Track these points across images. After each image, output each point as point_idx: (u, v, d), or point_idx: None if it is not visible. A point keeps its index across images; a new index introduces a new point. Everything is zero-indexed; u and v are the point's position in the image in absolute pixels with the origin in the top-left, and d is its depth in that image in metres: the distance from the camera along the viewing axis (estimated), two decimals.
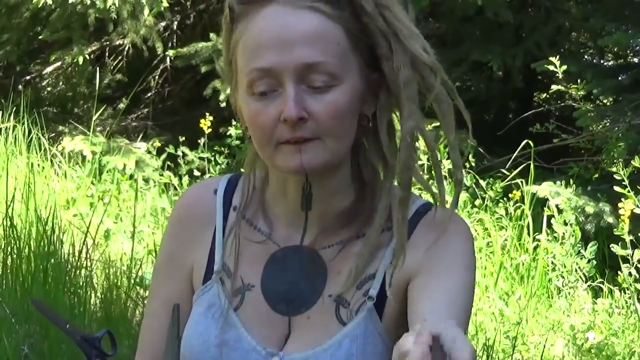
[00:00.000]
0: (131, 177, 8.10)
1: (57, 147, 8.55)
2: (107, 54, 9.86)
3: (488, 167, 8.06)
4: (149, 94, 10.08)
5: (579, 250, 6.68)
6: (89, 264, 5.41)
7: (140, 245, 6.26)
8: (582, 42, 10.50)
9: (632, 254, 6.17)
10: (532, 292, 6.29)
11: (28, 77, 10.50)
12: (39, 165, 7.56)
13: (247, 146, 1.92)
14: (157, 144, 8.81)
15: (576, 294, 6.40)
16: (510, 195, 7.35)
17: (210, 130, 8.24)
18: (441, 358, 1.41)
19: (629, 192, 6.39)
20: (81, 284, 5.10)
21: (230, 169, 8.34)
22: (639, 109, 7.97)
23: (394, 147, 1.86)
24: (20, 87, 9.58)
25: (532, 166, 7.44)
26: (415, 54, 1.79)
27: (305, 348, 1.89)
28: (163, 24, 9.52)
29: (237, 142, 8.49)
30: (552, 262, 6.66)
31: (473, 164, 7.84)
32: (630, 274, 6.15)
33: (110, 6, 8.93)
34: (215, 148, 8.57)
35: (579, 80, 8.14)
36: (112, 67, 9.88)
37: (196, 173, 8.30)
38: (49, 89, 10.52)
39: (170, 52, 9.48)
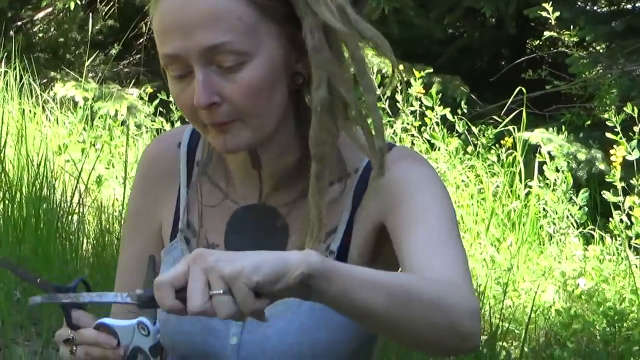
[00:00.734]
0: (123, 123, 8.09)
1: (48, 93, 8.53)
2: (98, 0, 9.82)
3: (480, 113, 8.05)
4: (141, 40, 10.03)
5: (571, 197, 6.69)
6: (81, 209, 5.42)
7: None
8: None
9: (624, 200, 6.18)
10: (524, 238, 6.30)
11: (19, 23, 10.46)
12: (30, 111, 7.55)
13: None
14: (149, 90, 8.77)
15: (567, 241, 6.41)
16: (502, 141, 7.35)
17: None
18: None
19: (620, 138, 6.39)
20: (73, 229, 5.11)
21: None
22: (632, 55, 7.96)
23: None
24: (11, 32, 9.54)
25: (524, 113, 7.42)
26: (323, 19, 1.69)
27: (269, 306, 1.89)
28: None
29: None
30: (544, 209, 6.67)
31: (465, 111, 7.84)
32: (621, 221, 6.17)
33: None
34: None
35: (571, 27, 8.13)
36: (103, 13, 9.85)
37: None
38: (40, 34, 10.48)
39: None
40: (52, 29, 10.32)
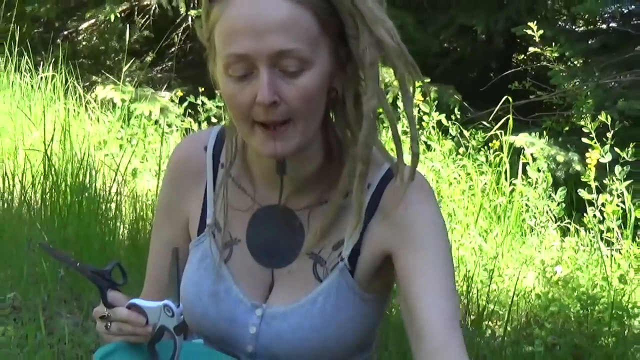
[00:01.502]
0: (156, 122, 8.10)
1: (90, 94, 8.53)
2: (135, 13, 9.81)
3: (471, 119, 8.05)
4: (173, 49, 10.04)
5: (550, 194, 6.68)
6: (118, 198, 5.42)
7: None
8: (556, 10, 10.45)
9: (597, 198, 6.17)
10: (508, 230, 6.30)
11: (66, 33, 10.47)
12: (74, 110, 7.55)
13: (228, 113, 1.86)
14: (180, 93, 8.78)
15: (546, 233, 6.41)
16: (490, 144, 7.35)
17: None
18: None
19: (595, 143, 6.38)
20: (111, 216, 5.11)
21: None
22: (606, 70, 7.95)
23: (360, 118, 1.77)
24: (58, 41, 9.53)
25: (510, 119, 7.43)
26: (379, 38, 1.71)
27: (285, 303, 1.91)
28: None
29: None
30: (526, 204, 6.66)
31: (458, 116, 7.85)
32: (594, 216, 6.16)
33: None
34: None
35: (553, 44, 8.13)
36: (140, 25, 9.84)
37: (213, 120, 8.28)
38: (84, 43, 10.47)
39: (192, 12, 9.45)
40: (94, 38, 10.32)
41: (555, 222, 6.55)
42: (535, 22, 7.82)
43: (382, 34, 1.71)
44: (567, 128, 7.94)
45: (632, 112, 7.28)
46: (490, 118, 7.73)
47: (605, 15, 9.52)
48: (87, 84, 8.96)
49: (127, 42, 9.17)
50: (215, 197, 1.98)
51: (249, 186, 1.95)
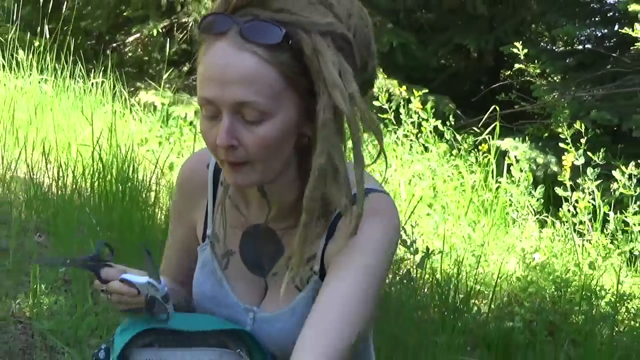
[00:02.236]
0: (190, 123, 8.09)
1: (134, 98, 8.54)
2: (175, 29, 9.80)
3: (463, 125, 8.06)
4: None
5: (530, 191, 6.66)
6: (156, 188, 5.42)
7: None
8: (539, 32, 10.43)
9: (571, 195, 6.16)
10: (493, 221, 6.29)
11: (114, 45, 10.47)
12: (120, 112, 7.55)
13: None
14: None
15: (526, 224, 6.39)
16: (479, 147, 7.34)
17: None
18: None
19: (570, 148, 6.37)
20: (150, 203, 5.11)
21: None
22: (581, 85, 7.95)
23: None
24: (108, 52, 9.54)
25: (497, 126, 7.41)
26: (335, 102, 1.62)
27: (272, 310, 1.90)
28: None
29: None
30: (510, 199, 6.65)
31: (452, 123, 7.84)
32: (568, 211, 6.15)
33: None
34: None
35: (536, 61, 8.13)
36: (178, 39, 9.82)
37: None
38: (129, 54, 10.47)
39: None
40: (139, 50, 10.32)
41: (535, 215, 6.53)
42: (520, 42, 7.81)
43: (338, 99, 1.62)
44: (546, 134, 7.93)
45: (603, 122, 7.28)
46: (480, 124, 7.73)
47: (582, 38, 9.51)
48: (132, 89, 8.95)
49: (167, 54, 9.17)
50: (215, 212, 1.97)
51: (243, 206, 1.93)
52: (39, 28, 8.23)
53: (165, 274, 2.04)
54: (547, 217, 6.44)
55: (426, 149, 7.36)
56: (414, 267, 4.47)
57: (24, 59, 7.89)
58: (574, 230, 6.01)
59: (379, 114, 7.78)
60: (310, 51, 1.63)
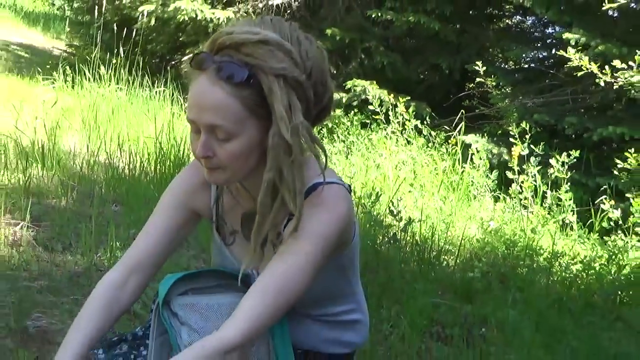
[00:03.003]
0: None
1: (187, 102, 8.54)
2: None
3: (437, 124, 8.03)
4: None
5: (487, 174, 6.64)
6: None
7: None
8: (495, 54, 10.37)
9: (518, 177, 6.14)
10: (459, 197, 6.27)
11: (172, 62, 10.46)
12: (176, 113, 7.55)
13: None
14: None
15: (484, 199, 6.38)
16: (449, 141, 7.32)
17: None
18: None
19: (518, 142, 6.35)
20: None
21: None
22: (526, 94, 7.92)
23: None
24: (168, 67, 9.54)
25: (463, 125, 7.40)
26: (280, 131, 1.60)
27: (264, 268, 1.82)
28: None
29: None
30: (472, 181, 6.63)
31: (428, 122, 7.84)
32: (516, 189, 6.14)
33: (221, 22, 8.89)
34: None
35: (492, 76, 8.09)
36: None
37: None
38: (185, 70, 10.46)
39: None
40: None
41: (490, 193, 6.52)
42: (481, 62, 7.77)
43: (283, 129, 1.61)
44: (499, 131, 7.89)
45: (543, 122, 7.24)
46: (450, 124, 7.71)
47: (527, 59, 9.46)
48: (185, 96, 8.95)
49: None
50: (219, 200, 1.94)
51: (238, 194, 1.90)
52: (116, 50, 8.24)
53: (129, 256, 1.92)
54: (500, 194, 6.43)
55: (409, 142, 7.34)
56: (399, 231, 4.47)
57: (105, 73, 7.89)
58: (520, 204, 5.99)
59: (373, 115, 7.78)
60: (267, 89, 1.61)
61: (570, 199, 5.89)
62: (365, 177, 6.41)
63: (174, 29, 9.57)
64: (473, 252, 4.85)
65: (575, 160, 6.04)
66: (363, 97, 8.38)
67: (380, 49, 9.05)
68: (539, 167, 6.14)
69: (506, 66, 9.99)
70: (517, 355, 3.14)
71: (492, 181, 6.60)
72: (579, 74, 6.56)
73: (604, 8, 6.55)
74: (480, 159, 6.83)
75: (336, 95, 7.62)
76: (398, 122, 7.52)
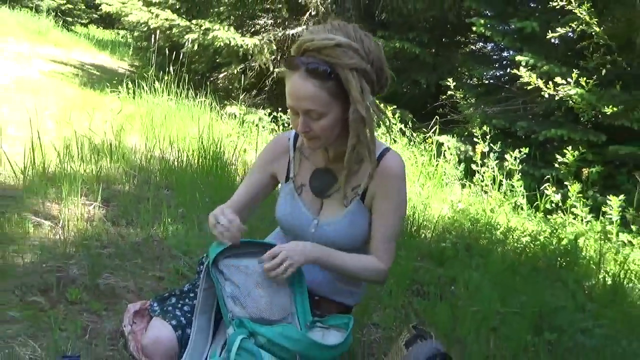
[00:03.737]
0: (256, 125, 8.07)
1: (223, 110, 8.53)
2: (247, 69, 9.73)
3: (417, 127, 8.00)
4: (266, 88, 9.98)
5: (456, 167, 6.63)
6: (236, 163, 5.42)
7: None
8: (463, 72, 10.31)
9: (480, 169, 6.13)
10: (434, 184, 6.26)
11: (211, 78, 10.45)
12: (215, 118, 7.55)
13: None
14: (269, 110, 8.76)
15: (454, 186, 6.36)
16: (427, 140, 7.29)
17: None
18: None
19: (480, 141, 6.32)
20: (232, 172, 5.11)
21: None
22: (487, 104, 7.86)
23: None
24: (207, 83, 9.52)
25: (437, 128, 7.37)
26: (357, 108, 1.73)
27: (328, 218, 1.91)
28: (273, 56, 9.39)
29: None
30: (444, 172, 6.61)
31: (410, 126, 7.81)
32: (479, 179, 6.12)
33: (249, 47, 8.86)
34: None
35: (460, 89, 8.04)
36: (249, 75, 9.77)
37: (285, 125, 8.27)
38: (220, 84, 10.43)
39: (276, 70, 9.39)
40: (226, 82, 10.27)
41: (459, 181, 6.50)
42: (452, 78, 7.75)
43: (359, 108, 1.73)
44: (466, 133, 7.85)
45: (500, 126, 7.19)
46: (429, 128, 7.67)
47: (488, 76, 9.40)
48: (222, 105, 8.91)
49: (242, 84, 9.14)
50: (293, 163, 1.99)
51: (312, 157, 1.97)
52: (167, 69, 8.22)
53: (229, 205, 1.97)
54: (466, 182, 6.41)
55: (395, 141, 7.32)
56: None
57: (158, 87, 7.89)
58: (482, 190, 5.98)
59: None
60: (344, 80, 1.72)
61: (521, 186, 5.87)
62: None
63: (212, 52, 9.54)
64: (445, 227, 4.84)
65: (525, 155, 6.03)
66: None
67: None
68: (496, 161, 6.12)
69: (471, 82, 9.92)
70: (479, 307, 3.14)
71: (460, 172, 6.58)
72: (529, 88, 6.56)
73: (548, 37, 6.54)
74: (451, 154, 6.81)
75: None
76: (386, 126, 7.49)
